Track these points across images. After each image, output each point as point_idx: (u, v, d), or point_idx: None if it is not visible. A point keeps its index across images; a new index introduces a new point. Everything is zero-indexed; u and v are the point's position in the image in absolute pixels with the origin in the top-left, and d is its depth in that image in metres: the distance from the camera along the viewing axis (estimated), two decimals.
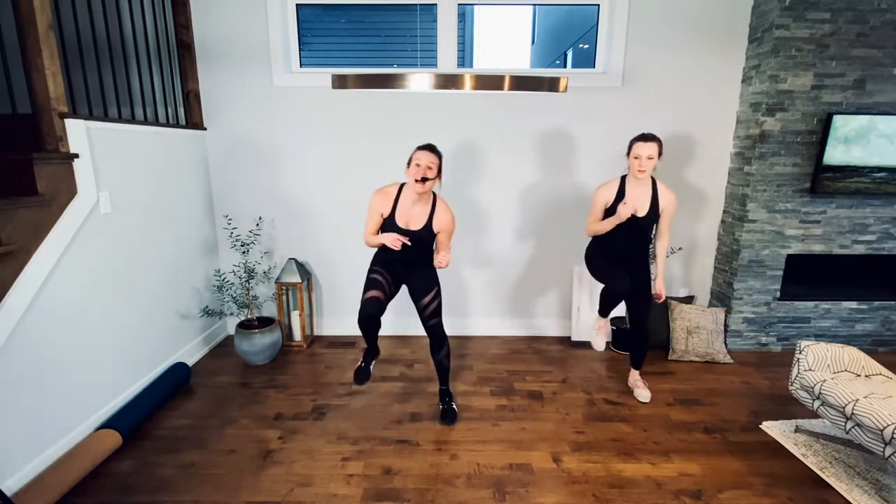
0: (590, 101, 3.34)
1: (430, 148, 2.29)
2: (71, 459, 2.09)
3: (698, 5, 3.20)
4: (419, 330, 3.75)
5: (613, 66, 3.29)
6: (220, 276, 3.45)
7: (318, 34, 6.33)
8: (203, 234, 3.40)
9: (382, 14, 6.32)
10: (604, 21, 3.32)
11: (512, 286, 3.69)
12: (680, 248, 3.60)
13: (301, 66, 3.42)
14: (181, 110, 3.25)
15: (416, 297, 2.52)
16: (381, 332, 3.69)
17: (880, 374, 2.36)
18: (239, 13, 3.20)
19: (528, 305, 3.72)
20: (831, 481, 2.15)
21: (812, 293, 3.49)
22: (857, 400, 2.05)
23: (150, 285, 2.83)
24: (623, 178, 2.55)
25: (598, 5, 3.32)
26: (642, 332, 2.69)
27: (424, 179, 2.25)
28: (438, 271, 2.60)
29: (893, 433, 1.88)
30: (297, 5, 3.30)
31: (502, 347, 3.50)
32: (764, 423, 2.59)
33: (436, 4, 3.29)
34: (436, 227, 2.38)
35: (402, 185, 2.40)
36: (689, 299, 3.66)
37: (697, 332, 3.38)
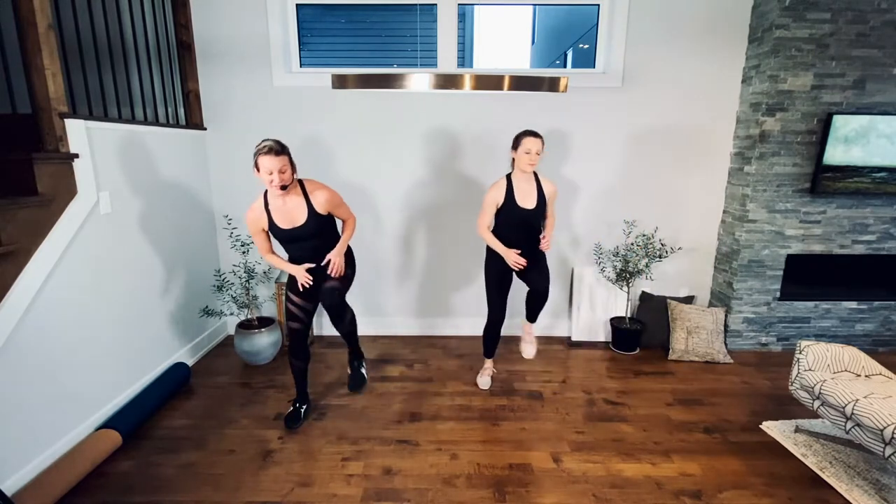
0: (590, 101, 3.34)
1: (270, 152, 2.09)
2: (71, 459, 2.09)
3: (698, 5, 3.20)
4: (419, 330, 3.76)
5: (613, 66, 3.29)
6: (220, 276, 3.45)
7: (318, 34, 6.32)
8: (203, 234, 3.40)
9: (382, 14, 6.31)
10: (604, 21, 3.32)
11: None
12: (680, 248, 3.60)
13: (301, 66, 3.42)
14: (181, 110, 3.25)
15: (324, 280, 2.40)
16: (382, 332, 3.73)
17: (880, 374, 2.36)
18: (239, 13, 3.20)
19: None
20: (831, 481, 2.15)
21: (812, 293, 3.49)
22: (857, 400, 2.06)
23: (149, 285, 2.83)
24: (508, 176, 2.62)
25: (598, 5, 3.32)
26: (544, 293, 2.76)
27: (284, 187, 2.15)
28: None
29: (893, 433, 1.88)
30: (297, 5, 3.30)
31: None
32: (764, 423, 2.60)
33: (436, 4, 3.29)
34: (322, 209, 2.31)
35: (265, 193, 2.29)
36: (689, 299, 3.66)
37: (697, 332, 3.38)
